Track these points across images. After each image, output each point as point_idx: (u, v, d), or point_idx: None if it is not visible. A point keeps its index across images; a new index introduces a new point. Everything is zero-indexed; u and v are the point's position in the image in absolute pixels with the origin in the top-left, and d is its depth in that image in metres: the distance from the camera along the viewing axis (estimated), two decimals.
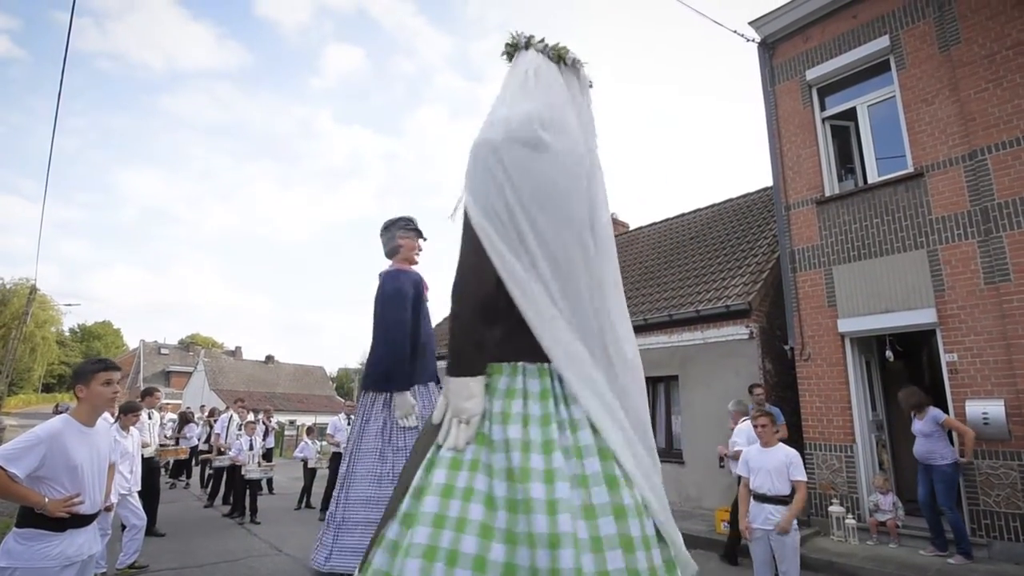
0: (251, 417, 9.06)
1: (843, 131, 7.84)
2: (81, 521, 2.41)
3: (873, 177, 7.22)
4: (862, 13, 7.43)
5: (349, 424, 6.12)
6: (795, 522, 3.81)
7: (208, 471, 9.67)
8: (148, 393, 6.74)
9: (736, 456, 5.18)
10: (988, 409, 5.71)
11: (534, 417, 1.32)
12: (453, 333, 1.40)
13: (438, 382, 3.88)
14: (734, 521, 5.30)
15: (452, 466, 1.30)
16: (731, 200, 12.34)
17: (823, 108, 7.89)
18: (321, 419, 21.98)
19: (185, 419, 11.16)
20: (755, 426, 4.12)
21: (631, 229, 15.02)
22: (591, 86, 1.75)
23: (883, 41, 7.14)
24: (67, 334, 63.96)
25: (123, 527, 5.07)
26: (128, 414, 4.98)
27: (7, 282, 41.49)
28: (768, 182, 9.36)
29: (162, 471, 9.64)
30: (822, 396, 7.11)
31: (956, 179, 6.34)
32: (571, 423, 1.34)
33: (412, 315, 3.72)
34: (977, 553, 5.64)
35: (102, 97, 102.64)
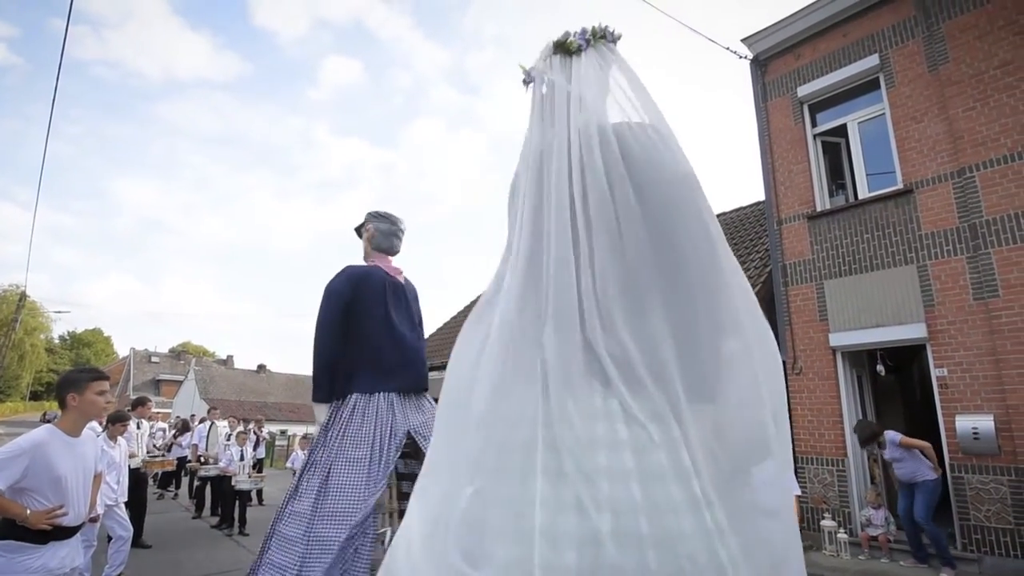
0: (242, 427, 8.98)
1: (834, 147, 7.94)
2: (64, 533, 2.37)
3: (863, 193, 7.31)
4: (852, 32, 7.56)
5: None
6: None
7: (196, 481, 9.56)
8: (140, 403, 6.69)
9: None
10: (978, 424, 5.74)
11: None
12: None
13: (405, 392, 3.48)
14: None
15: None
16: (724, 214, 12.43)
17: (814, 124, 7.99)
18: (313, 429, 21.78)
19: (186, 427, 11.04)
20: None
21: None
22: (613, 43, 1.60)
23: (873, 59, 7.26)
24: (56, 341, 63.33)
25: (109, 538, 5.00)
26: (117, 423, 4.93)
27: None
28: (760, 196, 9.45)
29: (150, 481, 9.53)
30: (814, 410, 7.13)
31: (945, 196, 6.42)
32: None
33: (357, 314, 3.38)
34: (967, 568, 5.65)
35: (99, 105, 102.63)
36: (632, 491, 0.99)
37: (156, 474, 10.74)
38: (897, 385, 8.68)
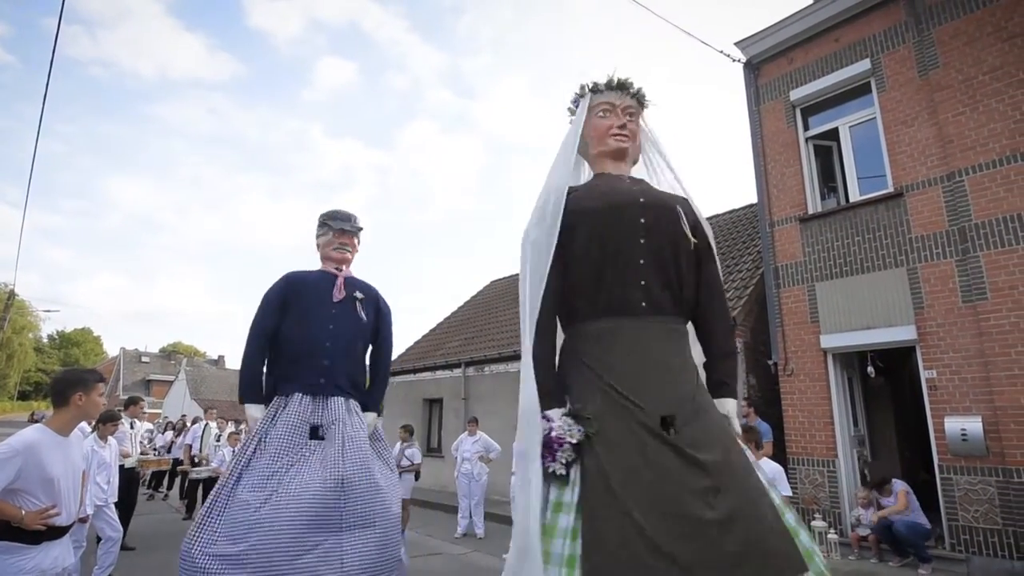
0: (232, 428, 8.93)
1: (826, 151, 8.01)
2: (56, 533, 2.35)
3: (855, 196, 7.37)
4: (844, 36, 7.63)
5: None
6: None
7: (187, 483, 9.49)
8: (132, 402, 6.64)
9: None
10: (966, 425, 5.80)
11: None
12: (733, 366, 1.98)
13: (332, 395, 3.49)
14: None
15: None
16: (717, 216, 12.51)
17: (806, 128, 8.06)
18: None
19: (183, 428, 10.98)
20: None
21: None
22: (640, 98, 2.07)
23: (864, 64, 7.33)
24: (45, 341, 62.70)
25: (98, 539, 4.96)
26: (107, 423, 4.89)
27: None
28: (753, 199, 9.51)
29: (141, 483, 9.45)
30: (805, 411, 7.18)
31: (935, 199, 6.49)
32: None
33: (288, 319, 3.40)
34: (956, 568, 5.70)
35: (92, 104, 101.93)
36: None
37: (147, 475, 10.67)
38: (887, 387, 8.75)
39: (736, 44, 8.61)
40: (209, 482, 8.15)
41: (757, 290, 8.56)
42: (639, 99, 2.04)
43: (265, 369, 3.62)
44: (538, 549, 1.44)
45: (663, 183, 2.05)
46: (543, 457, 1.57)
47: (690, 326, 1.91)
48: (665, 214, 1.83)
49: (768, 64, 8.46)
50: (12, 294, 27.26)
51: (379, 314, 3.98)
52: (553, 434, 1.57)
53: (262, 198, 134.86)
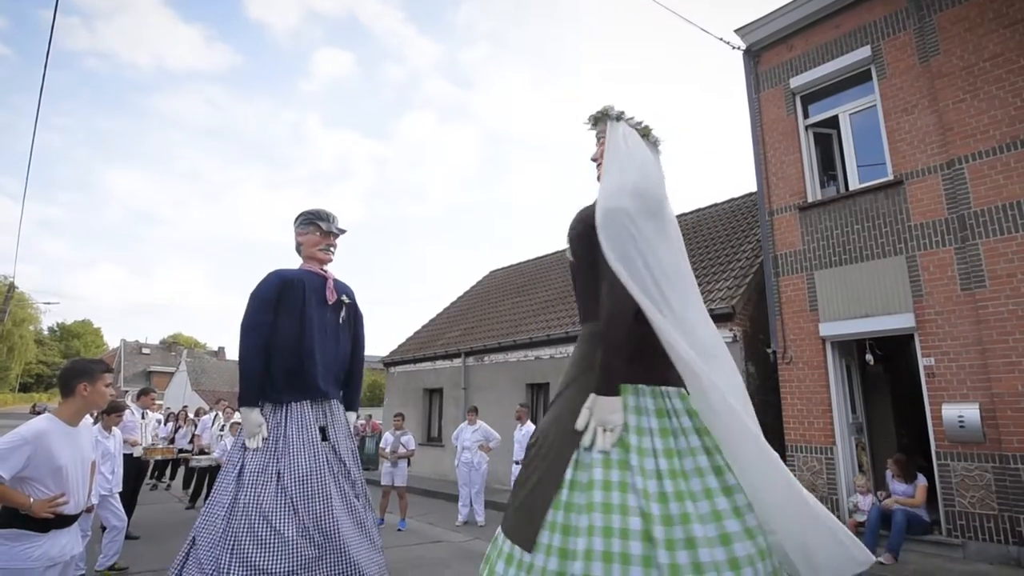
0: (236, 417, 8.97)
1: (826, 138, 7.98)
2: (64, 521, 2.38)
3: (854, 184, 7.36)
4: (844, 23, 7.58)
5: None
6: None
7: (187, 466, 9.56)
8: (144, 393, 6.72)
9: None
10: (964, 412, 5.84)
11: (655, 429, 1.74)
12: (607, 363, 1.78)
13: (325, 399, 3.54)
14: None
15: (605, 465, 1.68)
16: (716, 205, 12.49)
17: (806, 116, 8.03)
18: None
19: (185, 418, 11.05)
20: None
21: None
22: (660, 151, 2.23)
23: (865, 51, 7.29)
24: (46, 333, 62.78)
25: (103, 528, 5.01)
26: (112, 414, 4.93)
27: None
28: (753, 187, 9.49)
29: (146, 475, 9.51)
30: (803, 399, 7.22)
31: (934, 187, 6.48)
32: (683, 431, 1.77)
33: (282, 319, 3.37)
34: (952, 553, 5.77)
35: (89, 97, 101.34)
36: None
37: (150, 465, 10.74)
38: (885, 374, 8.80)
39: (736, 31, 8.55)
40: (212, 471, 8.22)
41: (756, 279, 8.58)
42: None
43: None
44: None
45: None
46: None
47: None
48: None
49: (768, 51, 8.42)
50: (12, 286, 27.27)
51: (356, 317, 4.01)
52: None
53: (260, 190, 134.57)
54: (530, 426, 8.02)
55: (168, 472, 11.59)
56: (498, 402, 11.18)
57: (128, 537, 6.03)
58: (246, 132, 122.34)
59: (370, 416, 17.05)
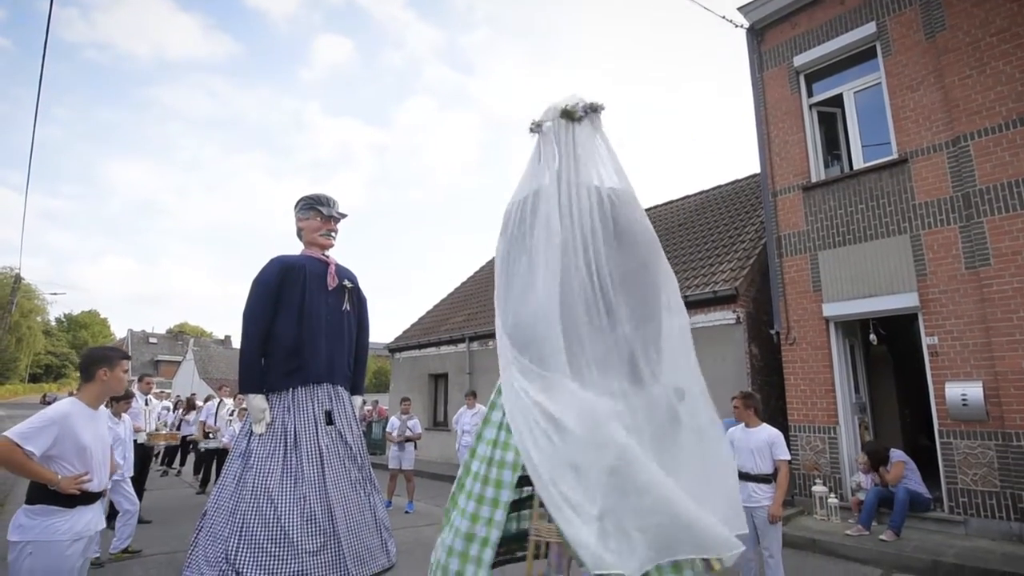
0: (241, 404, 9.07)
1: (830, 117, 7.91)
2: (89, 498, 2.50)
3: (858, 163, 7.31)
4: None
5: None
6: (772, 495, 3.90)
7: (199, 451, 9.67)
8: (140, 378, 6.78)
9: None
10: (967, 391, 5.85)
11: None
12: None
13: (331, 384, 3.58)
14: None
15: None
16: (720, 187, 12.42)
17: (810, 94, 7.94)
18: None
19: (191, 405, 11.15)
20: (733, 407, 4.19)
21: None
22: (599, 114, 2.31)
23: (870, 28, 7.19)
24: (53, 324, 63.23)
25: (116, 513, 5.10)
26: (121, 400, 4.99)
27: None
28: (756, 169, 9.43)
29: (153, 459, 9.64)
30: (807, 379, 7.24)
31: (939, 165, 6.43)
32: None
33: (284, 305, 3.40)
34: (953, 530, 5.82)
35: (89, 88, 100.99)
36: None
37: (160, 451, 10.88)
38: (889, 354, 8.81)
39: (739, 9, 8.44)
40: (221, 456, 8.34)
41: (759, 260, 8.56)
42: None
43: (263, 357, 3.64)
44: None
45: None
46: None
47: None
48: None
49: (771, 29, 8.31)
50: (18, 277, 27.45)
51: (360, 302, 4.01)
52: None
53: (261, 178, 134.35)
54: (480, 408, 8.09)
55: (178, 459, 11.75)
56: None
57: (140, 521, 6.15)
58: (246, 121, 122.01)
59: (376, 402, 17.18)
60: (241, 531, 3.22)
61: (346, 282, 3.80)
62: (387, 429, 8.54)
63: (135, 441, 5.65)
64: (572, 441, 1.78)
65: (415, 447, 8.10)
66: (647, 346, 2.01)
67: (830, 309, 7.10)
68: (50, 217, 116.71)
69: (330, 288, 3.71)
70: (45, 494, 2.36)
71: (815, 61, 7.77)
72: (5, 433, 2.30)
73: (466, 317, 14.22)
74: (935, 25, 6.63)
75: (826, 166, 7.80)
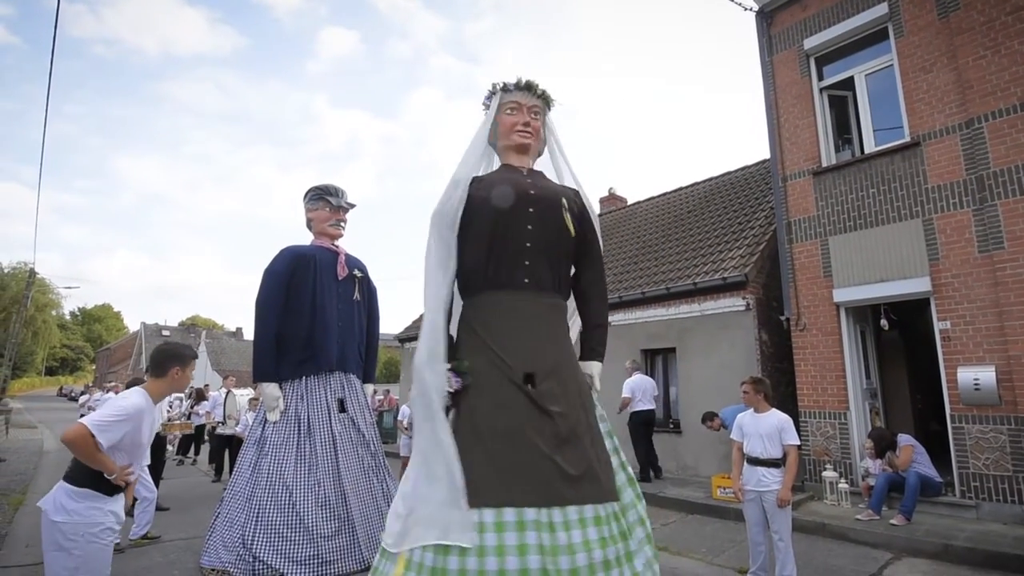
0: (253, 393, 9.18)
1: (841, 101, 7.81)
2: (122, 489, 2.57)
3: (870, 147, 7.22)
4: None
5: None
6: (781, 479, 3.91)
7: (214, 437, 9.81)
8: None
9: (625, 404, 8.07)
10: (979, 375, 5.81)
11: None
12: (604, 340, 2.40)
13: (342, 372, 3.63)
14: None
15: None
16: (729, 173, 12.32)
17: (821, 78, 7.84)
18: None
19: (200, 395, 11.31)
20: (742, 392, 4.20)
21: (629, 204, 15.00)
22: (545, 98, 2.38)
23: (882, 8, 7.07)
24: (68, 318, 64.06)
25: (134, 500, 5.21)
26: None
27: (4, 266, 41.41)
28: (766, 155, 9.34)
29: (169, 448, 9.80)
30: (817, 365, 7.21)
31: (952, 148, 6.34)
32: None
33: (296, 295, 3.44)
34: (965, 514, 5.81)
35: (98, 83, 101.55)
36: None
37: (175, 440, 11.06)
38: (900, 340, 8.75)
39: None
40: (236, 444, 8.46)
41: (769, 246, 8.51)
42: (545, 99, 2.36)
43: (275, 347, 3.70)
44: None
45: (564, 176, 2.43)
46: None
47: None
48: (551, 205, 2.16)
49: (781, 12, 8.19)
50: (32, 272, 27.78)
51: (370, 291, 4.05)
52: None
53: (270, 171, 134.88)
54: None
55: (193, 448, 11.93)
56: None
57: (158, 508, 6.27)
58: (255, 114, 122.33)
59: (388, 391, 17.32)
60: (257, 516, 3.29)
61: (356, 272, 3.84)
62: (398, 418, 8.62)
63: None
64: None
65: None
66: None
67: (841, 295, 7.05)
68: (63, 212, 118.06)
69: (340, 278, 3.75)
70: (92, 479, 2.39)
71: (826, 44, 7.66)
72: (84, 421, 2.35)
73: None
74: (949, 4, 6.50)
75: (837, 150, 7.71)
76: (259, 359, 3.49)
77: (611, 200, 15.61)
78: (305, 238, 3.93)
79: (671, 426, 9.00)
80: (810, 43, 7.77)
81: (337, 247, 3.87)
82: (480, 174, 2.30)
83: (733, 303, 8.19)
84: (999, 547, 4.78)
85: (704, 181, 12.76)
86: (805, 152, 7.70)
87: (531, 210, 2.12)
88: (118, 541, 4.63)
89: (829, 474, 6.63)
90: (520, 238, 2.09)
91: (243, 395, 9.25)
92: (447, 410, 1.92)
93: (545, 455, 1.82)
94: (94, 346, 65.04)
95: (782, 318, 7.76)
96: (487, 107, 2.37)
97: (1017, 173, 5.83)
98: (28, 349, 44.71)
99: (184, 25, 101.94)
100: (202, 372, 37.80)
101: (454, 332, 2.14)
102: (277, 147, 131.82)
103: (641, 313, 9.29)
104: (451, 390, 1.92)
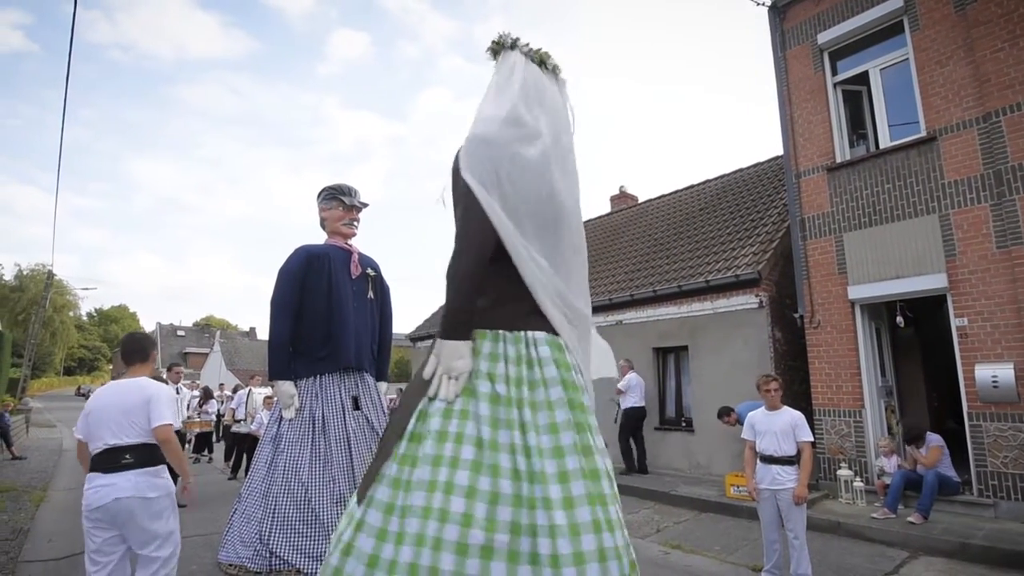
0: (268, 392, 9.27)
1: (855, 96, 7.72)
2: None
3: (885, 142, 7.14)
4: None
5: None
6: (796, 477, 3.89)
7: (229, 437, 9.94)
8: (168, 368, 6.98)
9: (619, 393, 8.51)
10: (997, 372, 5.74)
11: (512, 378, 1.56)
12: (450, 302, 1.59)
13: (357, 370, 3.64)
14: None
15: (444, 415, 1.54)
16: (742, 170, 12.23)
17: (835, 73, 7.76)
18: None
19: (208, 394, 11.46)
20: (765, 391, 4.15)
21: (640, 202, 14.94)
22: (564, 80, 1.98)
23: (897, 1, 6.98)
24: (85, 318, 65.03)
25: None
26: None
27: (23, 268, 42.13)
28: (779, 151, 9.27)
29: (186, 446, 9.93)
30: (832, 363, 7.15)
31: (969, 142, 6.26)
32: (543, 381, 1.58)
33: (310, 294, 3.45)
34: (983, 513, 5.74)
35: (114, 87, 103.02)
36: None
37: (191, 439, 11.20)
38: (916, 337, 8.65)
39: None
40: (251, 443, 8.55)
41: (782, 243, 8.44)
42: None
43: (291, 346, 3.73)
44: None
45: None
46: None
47: None
48: None
49: (794, 6, 8.12)
50: (51, 274, 28.24)
51: (383, 290, 4.07)
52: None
53: (281, 173, 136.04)
54: None
55: (208, 446, 12.08)
56: None
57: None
58: (266, 116, 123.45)
59: (400, 390, 17.43)
60: (273, 513, 3.33)
61: (369, 270, 3.86)
62: None
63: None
64: None
65: None
66: None
67: (856, 292, 6.99)
68: (80, 215, 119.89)
69: (354, 276, 3.77)
70: (159, 455, 2.85)
71: (840, 38, 7.58)
72: (167, 421, 2.83)
73: None
74: None
75: (851, 146, 7.64)
76: (274, 357, 3.52)
77: (622, 198, 15.55)
78: (317, 240, 3.96)
79: (683, 424, 8.96)
80: (824, 38, 7.69)
81: (350, 246, 3.90)
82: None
83: (746, 301, 8.14)
84: (1017, 546, 4.71)
85: (716, 178, 12.68)
86: (819, 148, 7.63)
87: None
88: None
89: (844, 472, 6.58)
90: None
91: (260, 394, 9.36)
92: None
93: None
94: (111, 346, 65.95)
95: (796, 316, 7.70)
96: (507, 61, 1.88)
97: None
98: (47, 349, 45.45)
99: (197, 29, 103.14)
100: (216, 371, 38.23)
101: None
102: (288, 149, 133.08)
103: (653, 311, 9.26)
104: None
